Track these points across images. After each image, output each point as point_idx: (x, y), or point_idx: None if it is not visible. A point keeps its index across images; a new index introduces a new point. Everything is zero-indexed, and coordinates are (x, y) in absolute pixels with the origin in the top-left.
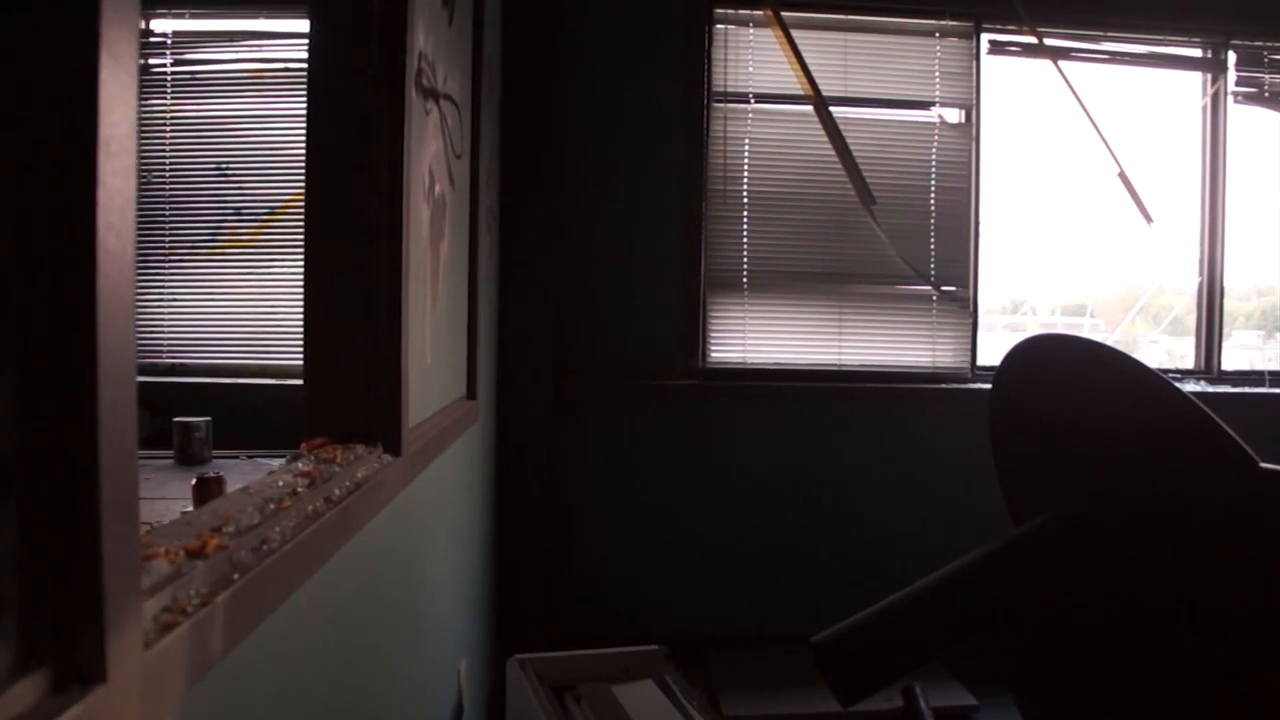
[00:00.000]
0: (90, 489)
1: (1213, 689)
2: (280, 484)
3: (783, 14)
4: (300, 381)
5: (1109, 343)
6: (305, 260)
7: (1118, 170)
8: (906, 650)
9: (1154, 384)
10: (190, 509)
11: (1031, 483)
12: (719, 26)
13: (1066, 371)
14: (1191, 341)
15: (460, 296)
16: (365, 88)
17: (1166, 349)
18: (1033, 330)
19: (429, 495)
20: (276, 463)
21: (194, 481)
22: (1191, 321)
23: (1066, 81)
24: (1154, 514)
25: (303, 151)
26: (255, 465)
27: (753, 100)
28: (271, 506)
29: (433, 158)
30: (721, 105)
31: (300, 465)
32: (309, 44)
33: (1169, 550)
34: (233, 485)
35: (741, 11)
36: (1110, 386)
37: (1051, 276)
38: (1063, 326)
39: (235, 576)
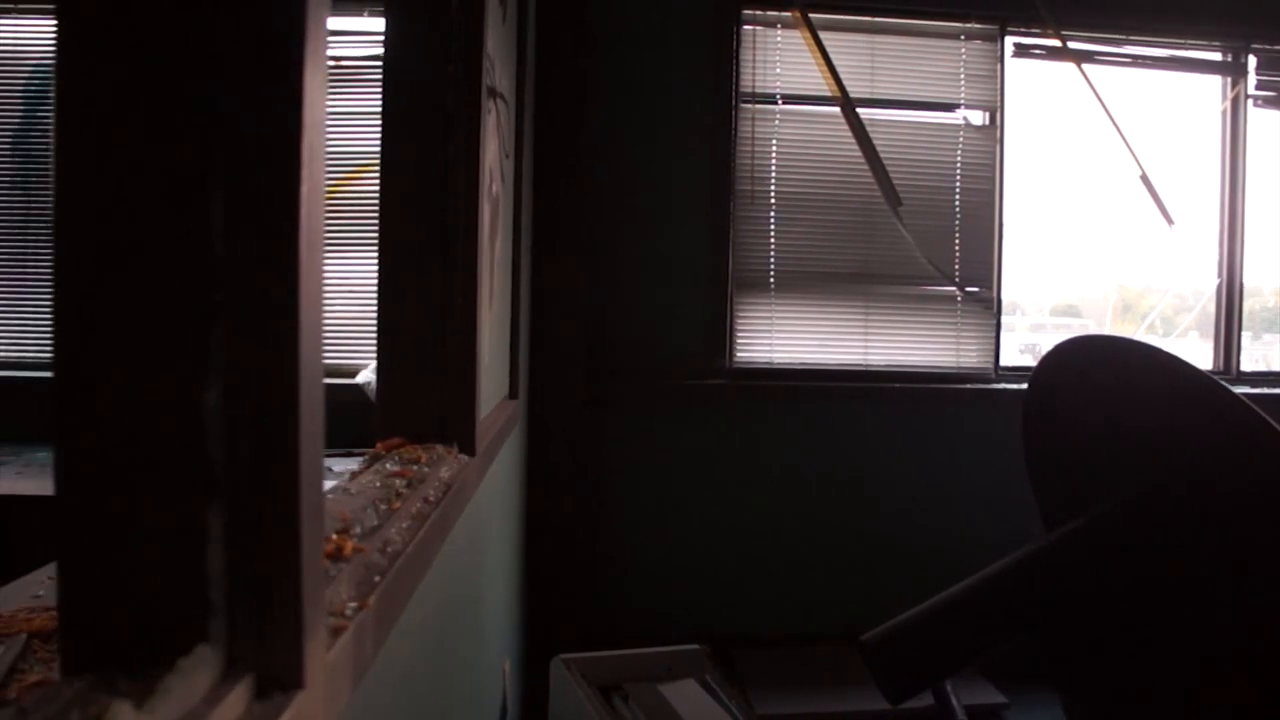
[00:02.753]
0: (292, 496)
1: (1261, 688)
2: (379, 485)
3: (810, 15)
4: (344, 380)
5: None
6: (380, 260)
7: (1139, 173)
8: (956, 648)
9: (1203, 384)
10: None
11: (1069, 483)
12: (747, 28)
13: (1109, 372)
14: (1186, 342)
15: (506, 296)
16: (446, 86)
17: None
18: (1021, 330)
19: (489, 494)
20: (338, 463)
21: None
22: (1180, 321)
23: (1090, 84)
24: (1202, 512)
25: (355, 148)
26: None
27: (780, 101)
28: (383, 508)
29: (491, 157)
30: (749, 106)
31: (388, 466)
32: (385, 40)
33: (1217, 549)
34: None
35: (770, 13)
36: (1157, 386)
37: (1049, 276)
38: (1052, 327)
39: (376, 579)
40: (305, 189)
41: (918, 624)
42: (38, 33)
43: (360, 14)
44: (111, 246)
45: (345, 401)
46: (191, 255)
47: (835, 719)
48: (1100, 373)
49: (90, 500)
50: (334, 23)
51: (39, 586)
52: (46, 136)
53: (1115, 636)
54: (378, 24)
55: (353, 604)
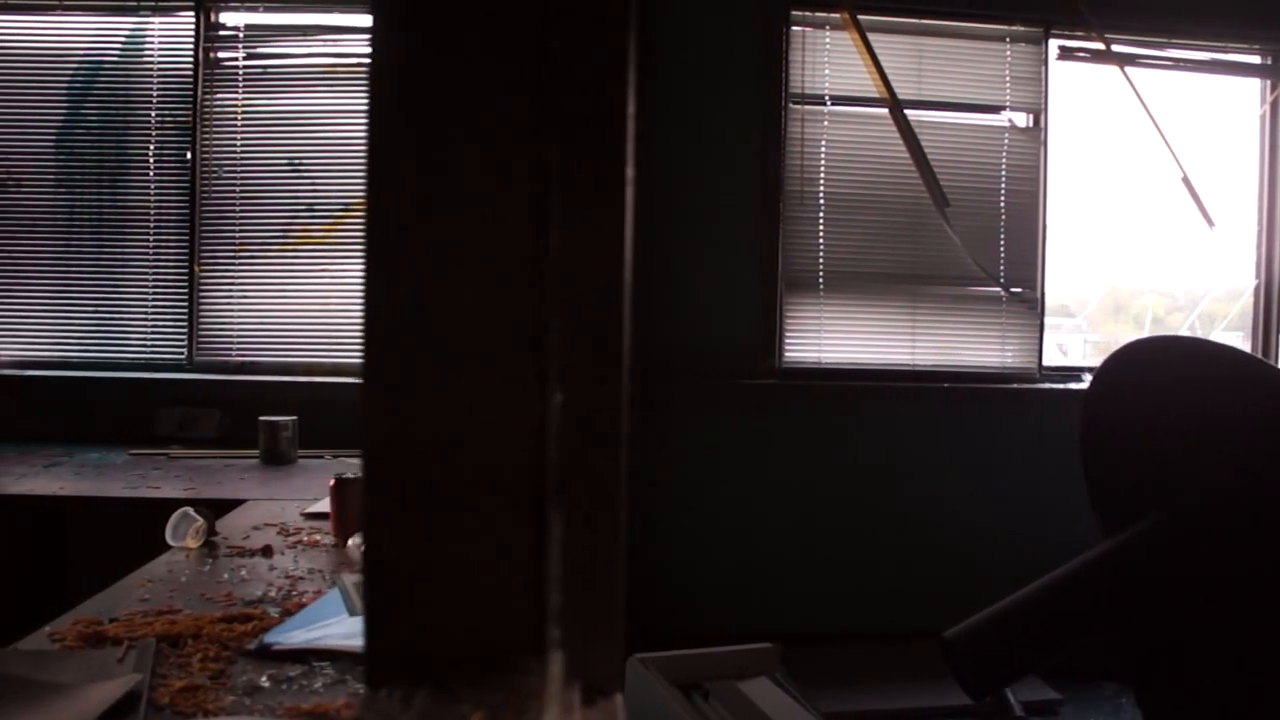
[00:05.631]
0: (615, 503)
1: None
2: None
3: (859, 17)
4: None
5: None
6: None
7: (1181, 175)
8: (1039, 645)
9: (1273, 378)
10: (314, 508)
11: (1135, 481)
12: (796, 29)
13: (1175, 371)
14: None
15: None
16: None
17: None
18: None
19: None
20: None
21: (332, 482)
22: (1175, 322)
23: (1133, 87)
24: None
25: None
26: (343, 465)
27: (829, 102)
28: None
29: None
30: (799, 107)
31: None
32: None
33: None
34: (321, 484)
35: (818, 14)
36: (1230, 380)
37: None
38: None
39: None
40: (629, 192)
41: (1000, 621)
42: (81, 30)
43: None
44: (449, 249)
45: None
46: (531, 256)
47: (892, 716)
48: (1166, 372)
49: (421, 510)
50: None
51: (140, 589)
52: (90, 134)
53: (1195, 630)
54: None
55: None
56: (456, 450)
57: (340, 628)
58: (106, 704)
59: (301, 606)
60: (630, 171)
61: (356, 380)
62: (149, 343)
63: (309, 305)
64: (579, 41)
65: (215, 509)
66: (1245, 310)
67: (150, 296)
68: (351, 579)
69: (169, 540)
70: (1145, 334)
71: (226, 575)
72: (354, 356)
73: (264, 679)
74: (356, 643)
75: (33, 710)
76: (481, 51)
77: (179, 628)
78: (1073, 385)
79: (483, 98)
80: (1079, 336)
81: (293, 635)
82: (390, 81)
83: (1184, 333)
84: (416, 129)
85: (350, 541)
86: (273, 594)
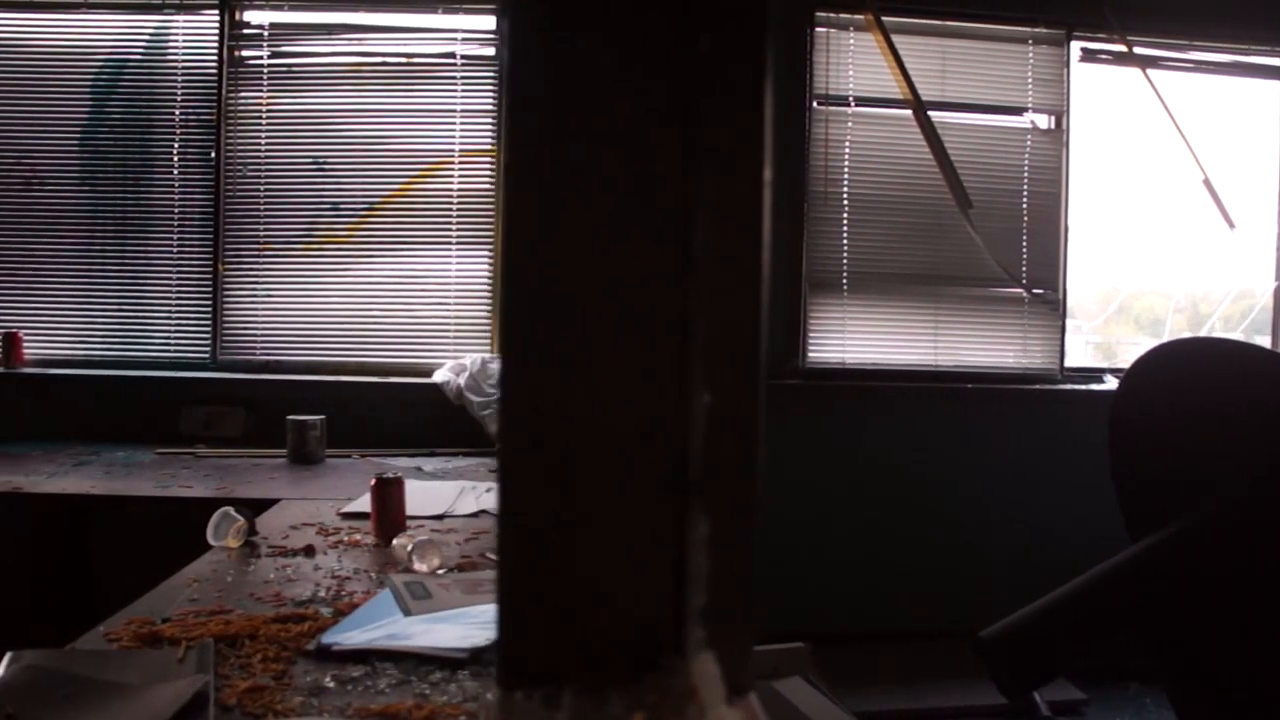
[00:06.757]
0: (754, 504)
1: None
2: None
3: (883, 18)
4: (421, 380)
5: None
6: None
7: (1202, 177)
8: (1074, 645)
9: None
10: (350, 507)
11: (1163, 483)
12: (820, 30)
13: (1206, 372)
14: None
15: None
16: None
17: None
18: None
19: None
20: (428, 462)
21: (374, 482)
22: (1177, 323)
23: (1154, 90)
24: None
25: (404, 146)
26: (370, 464)
27: (853, 103)
28: None
29: None
30: (823, 108)
31: None
32: None
33: None
34: (352, 483)
35: (842, 15)
36: (1258, 382)
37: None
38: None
39: None
40: (767, 194)
41: (1037, 621)
42: (105, 29)
43: (434, 11)
44: (595, 254)
45: (422, 400)
46: (674, 258)
47: (918, 715)
48: (1196, 373)
49: (559, 512)
50: (406, 20)
51: (187, 589)
52: (114, 132)
53: (1229, 629)
54: (450, 21)
55: None
56: (598, 449)
57: (397, 628)
58: (178, 705)
59: (353, 607)
60: (769, 174)
61: (378, 379)
62: (173, 342)
63: (333, 304)
64: (726, 40)
65: (250, 509)
66: (1266, 310)
67: (174, 295)
68: (401, 579)
69: (210, 540)
70: (1146, 334)
71: (272, 575)
72: (379, 356)
73: (328, 679)
74: (417, 643)
75: (104, 711)
76: (620, 47)
77: (234, 628)
78: (1094, 386)
79: (623, 90)
80: (1080, 338)
81: (351, 636)
82: (530, 69)
83: (1203, 334)
84: (553, 125)
85: (395, 541)
86: (322, 594)
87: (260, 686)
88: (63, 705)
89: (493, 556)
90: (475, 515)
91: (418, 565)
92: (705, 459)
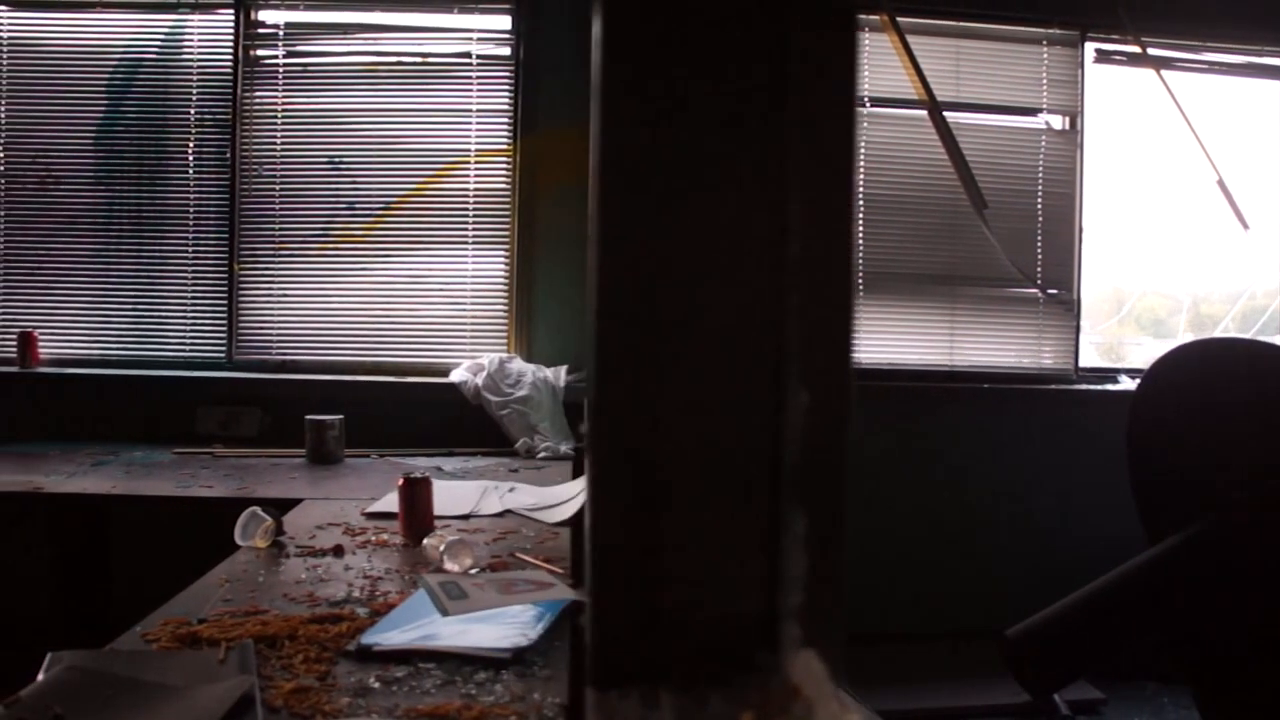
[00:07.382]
0: (843, 503)
1: None
2: None
3: (898, 19)
4: (438, 379)
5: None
6: None
7: (1216, 177)
8: (1100, 644)
9: None
10: (375, 507)
11: (1183, 484)
12: None
13: (1226, 373)
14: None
15: None
16: None
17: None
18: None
19: None
20: (448, 462)
21: (402, 481)
22: (1176, 324)
23: (1169, 90)
24: None
25: (419, 146)
26: (389, 464)
27: (868, 104)
28: None
29: None
30: None
31: None
32: None
33: None
34: (372, 483)
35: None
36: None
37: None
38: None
39: None
40: (856, 191)
41: (1062, 621)
42: (120, 28)
43: (450, 11)
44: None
45: (439, 400)
46: (771, 255)
47: (939, 715)
48: (1217, 373)
49: (654, 508)
50: (422, 19)
51: (220, 589)
52: (129, 132)
53: (1252, 628)
54: (465, 21)
55: None
56: (692, 450)
57: (435, 628)
58: (226, 706)
59: (389, 607)
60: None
61: (395, 379)
62: (189, 341)
63: (349, 304)
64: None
65: (274, 508)
66: (1278, 313)
67: (190, 295)
68: (435, 579)
69: (238, 540)
70: (1145, 335)
71: (304, 575)
72: (396, 355)
73: (372, 680)
74: (459, 643)
75: (152, 713)
76: (717, 43)
77: (272, 629)
78: (1109, 387)
79: (720, 83)
80: (1084, 339)
81: (391, 636)
82: (627, 63)
83: (1219, 334)
84: (650, 125)
85: (425, 541)
86: (356, 594)
87: (305, 687)
88: (108, 707)
89: (523, 557)
90: (500, 515)
91: (450, 565)
92: (802, 457)
